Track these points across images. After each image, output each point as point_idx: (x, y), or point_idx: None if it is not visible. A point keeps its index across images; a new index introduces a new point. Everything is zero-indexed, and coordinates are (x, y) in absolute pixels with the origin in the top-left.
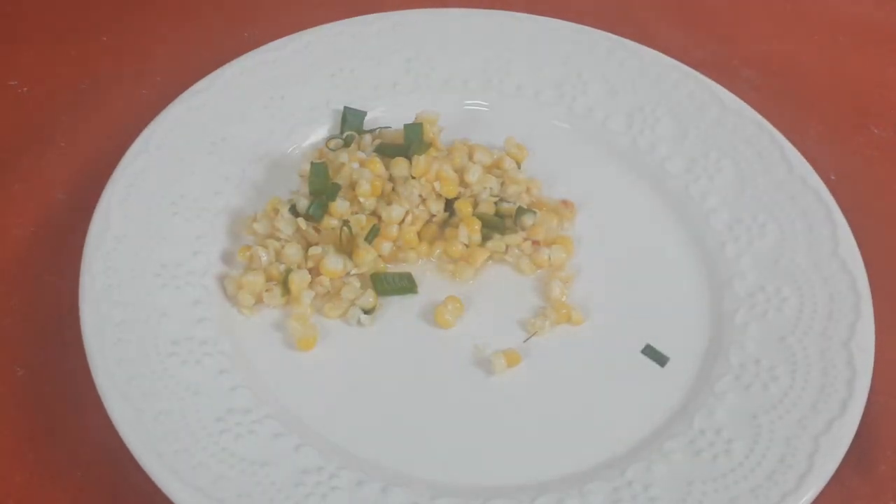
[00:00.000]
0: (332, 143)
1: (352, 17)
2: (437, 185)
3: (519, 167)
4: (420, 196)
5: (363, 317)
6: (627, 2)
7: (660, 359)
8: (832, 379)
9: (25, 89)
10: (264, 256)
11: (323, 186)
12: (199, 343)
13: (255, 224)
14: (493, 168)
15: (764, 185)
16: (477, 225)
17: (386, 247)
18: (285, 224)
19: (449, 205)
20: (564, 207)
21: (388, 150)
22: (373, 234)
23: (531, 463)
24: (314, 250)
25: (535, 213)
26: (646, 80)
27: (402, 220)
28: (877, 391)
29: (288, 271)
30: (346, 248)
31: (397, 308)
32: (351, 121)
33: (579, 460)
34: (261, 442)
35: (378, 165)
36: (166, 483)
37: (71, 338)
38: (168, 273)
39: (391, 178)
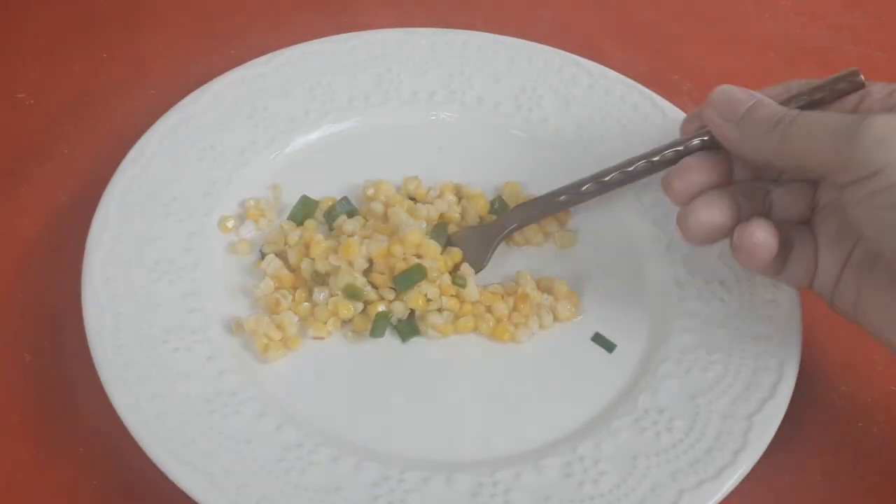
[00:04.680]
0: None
1: (328, 35)
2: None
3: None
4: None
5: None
6: (578, 23)
7: (608, 345)
8: (764, 363)
9: (32, 101)
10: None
11: (309, 212)
12: (189, 332)
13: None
14: None
15: None
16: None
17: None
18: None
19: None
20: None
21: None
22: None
23: (491, 440)
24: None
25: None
26: (594, 93)
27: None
28: (805, 375)
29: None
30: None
31: None
32: (304, 209)
33: (535, 438)
34: (245, 421)
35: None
36: (161, 458)
37: (73, 327)
38: (161, 268)
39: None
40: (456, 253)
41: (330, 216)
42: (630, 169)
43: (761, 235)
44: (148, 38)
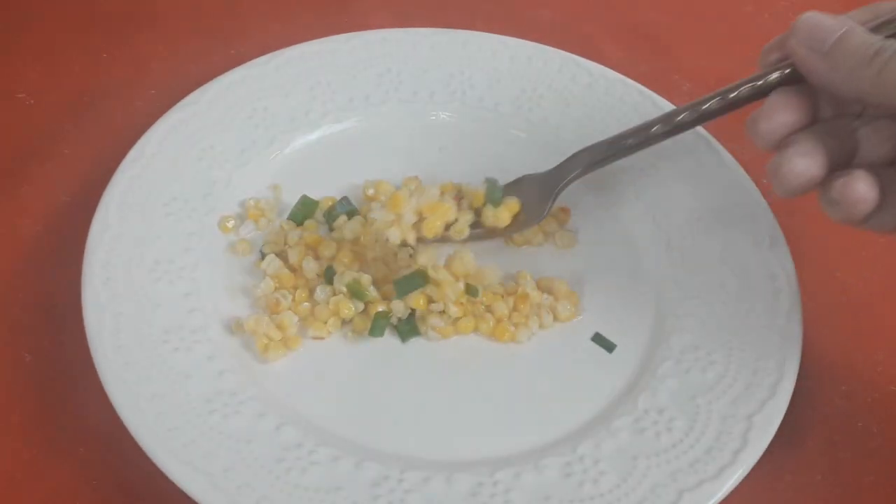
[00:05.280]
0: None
1: (328, 35)
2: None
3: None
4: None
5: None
6: (578, 22)
7: (608, 345)
8: (764, 363)
9: (32, 101)
10: (284, 301)
11: (309, 212)
12: (189, 332)
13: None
14: None
15: (701, 186)
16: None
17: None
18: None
19: None
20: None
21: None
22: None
23: (492, 440)
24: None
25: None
26: (594, 93)
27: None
28: (805, 375)
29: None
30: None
31: None
32: (304, 209)
33: (535, 438)
34: (245, 421)
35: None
36: (161, 459)
37: (73, 327)
38: (161, 268)
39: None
40: (513, 203)
41: (330, 216)
42: (704, 107)
43: (864, 189)
44: (148, 38)
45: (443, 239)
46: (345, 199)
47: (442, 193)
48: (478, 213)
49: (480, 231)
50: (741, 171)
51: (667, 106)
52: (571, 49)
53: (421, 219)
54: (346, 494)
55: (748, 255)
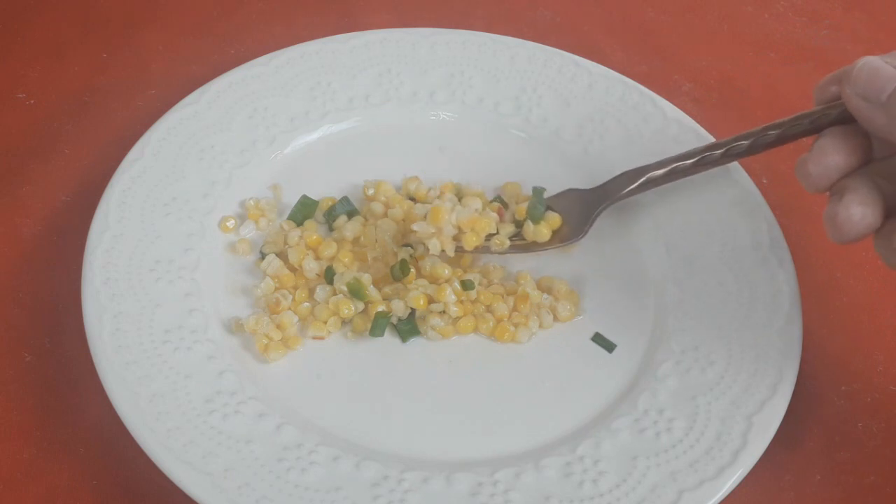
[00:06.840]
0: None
1: (328, 35)
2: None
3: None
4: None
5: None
6: (578, 23)
7: (608, 345)
8: (764, 364)
9: (32, 101)
10: (285, 301)
11: (309, 212)
12: (189, 331)
13: (265, 249)
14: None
15: (701, 186)
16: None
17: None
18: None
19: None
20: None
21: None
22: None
23: (492, 440)
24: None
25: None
26: (595, 93)
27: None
28: (805, 375)
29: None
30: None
31: None
32: (304, 209)
33: (535, 437)
34: (246, 421)
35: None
36: (161, 459)
37: (73, 327)
38: (161, 268)
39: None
40: (554, 219)
41: (330, 216)
42: (760, 139)
43: None
44: (148, 38)
45: (483, 250)
46: (345, 199)
47: (441, 193)
48: (519, 225)
49: (521, 243)
50: (741, 171)
51: (666, 106)
52: (571, 49)
53: (461, 231)
54: (346, 494)
55: (748, 255)
